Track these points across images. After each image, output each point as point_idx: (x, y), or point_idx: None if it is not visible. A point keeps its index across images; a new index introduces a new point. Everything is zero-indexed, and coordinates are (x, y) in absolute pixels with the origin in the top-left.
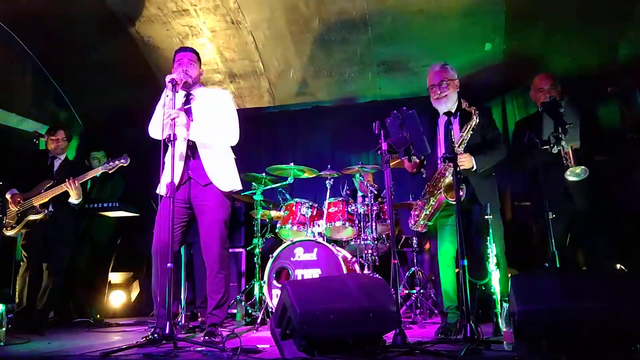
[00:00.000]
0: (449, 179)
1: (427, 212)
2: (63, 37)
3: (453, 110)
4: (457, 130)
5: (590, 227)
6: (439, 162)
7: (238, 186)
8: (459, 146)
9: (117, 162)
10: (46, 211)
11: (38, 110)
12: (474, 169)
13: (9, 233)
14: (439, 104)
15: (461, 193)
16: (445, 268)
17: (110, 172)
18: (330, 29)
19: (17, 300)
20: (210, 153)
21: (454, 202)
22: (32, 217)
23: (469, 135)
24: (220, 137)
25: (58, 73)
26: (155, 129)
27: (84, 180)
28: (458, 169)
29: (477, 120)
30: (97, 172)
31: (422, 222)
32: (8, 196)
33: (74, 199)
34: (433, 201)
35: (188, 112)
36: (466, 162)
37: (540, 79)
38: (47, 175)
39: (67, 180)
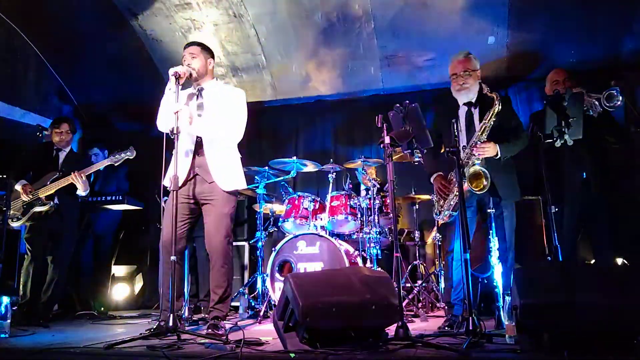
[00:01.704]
0: (473, 168)
1: (452, 203)
2: (66, 30)
3: (473, 101)
4: (477, 120)
5: (600, 217)
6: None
7: (242, 185)
8: (481, 134)
9: (122, 155)
10: (52, 203)
11: (41, 103)
12: (497, 157)
13: (14, 225)
14: (460, 95)
15: (485, 183)
16: (459, 261)
17: (116, 164)
18: (333, 22)
19: (21, 292)
20: (215, 150)
21: (478, 192)
22: (37, 209)
23: (492, 123)
24: (224, 132)
25: (61, 67)
26: (162, 123)
27: (90, 172)
28: (460, 162)
29: (500, 107)
30: (103, 164)
31: (447, 213)
32: (19, 187)
33: (80, 191)
34: (457, 191)
35: (200, 107)
36: (490, 150)
37: (554, 73)
38: (53, 167)
39: (73, 172)
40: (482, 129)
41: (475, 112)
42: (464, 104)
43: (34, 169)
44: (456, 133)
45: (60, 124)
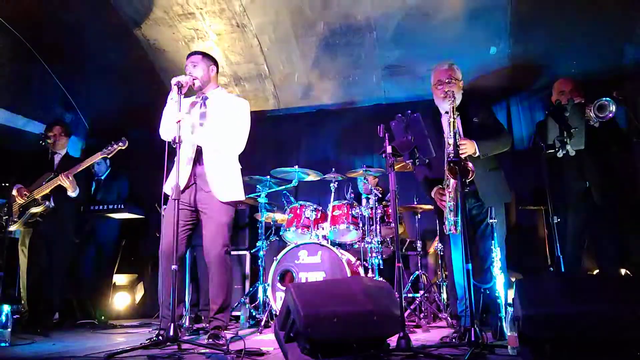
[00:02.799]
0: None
1: (452, 208)
2: (70, 39)
3: (456, 107)
4: (460, 127)
5: (604, 227)
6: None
7: (239, 196)
8: (452, 131)
9: (115, 146)
10: (47, 203)
11: (44, 112)
12: (476, 155)
13: (12, 228)
14: (444, 102)
15: (469, 168)
16: (460, 272)
17: (109, 156)
18: (335, 32)
19: (22, 301)
20: (215, 160)
21: (470, 179)
22: (33, 210)
23: (455, 117)
24: (225, 142)
25: (64, 75)
26: (164, 132)
27: (79, 170)
28: (462, 159)
29: (457, 103)
30: (96, 158)
31: (452, 220)
32: (14, 191)
33: (70, 192)
34: (451, 193)
35: (203, 116)
36: (468, 147)
37: (561, 83)
38: (48, 169)
39: (60, 174)
40: (451, 125)
41: (457, 120)
42: (446, 112)
43: (33, 175)
44: (457, 142)
45: (52, 127)
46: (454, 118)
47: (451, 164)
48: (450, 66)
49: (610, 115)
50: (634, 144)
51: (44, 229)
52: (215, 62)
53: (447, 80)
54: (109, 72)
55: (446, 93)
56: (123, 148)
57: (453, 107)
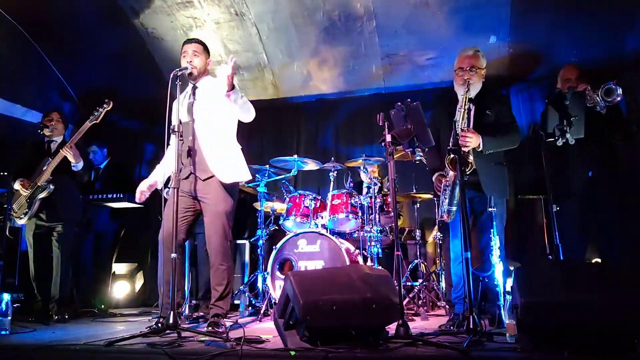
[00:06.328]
0: (451, 156)
1: (446, 196)
2: (67, 28)
3: (473, 97)
4: (473, 117)
5: (607, 217)
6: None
7: (244, 177)
8: (461, 120)
9: (101, 110)
10: (51, 186)
11: (42, 101)
12: (480, 149)
13: (23, 220)
14: (462, 89)
15: (470, 160)
16: (456, 260)
17: (98, 120)
18: (334, 21)
19: (35, 291)
20: (213, 143)
21: (469, 173)
22: (40, 196)
23: (468, 107)
24: (243, 116)
25: (62, 64)
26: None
27: (77, 139)
28: (463, 151)
29: (469, 93)
30: (87, 127)
31: (446, 208)
32: (17, 185)
33: (74, 163)
34: (447, 181)
35: (195, 105)
36: (473, 140)
37: (566, 71)
38: (46, 157)
39: (61, 149)
40: (461, 115)
41: (473, 109)
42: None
43: (32, 165)
44: (457, 132)
45: (50, 113)
46: (464, 108)
47: (450, 154)
48: (475, 53)
49: (618, 99)
50: (635, 133)
51: (48, 222)
52: (209, 55)
53: (467, 68)
54: (107, 60)
55: (465, 81)
56: (109, 109)
57: (465, 98)
